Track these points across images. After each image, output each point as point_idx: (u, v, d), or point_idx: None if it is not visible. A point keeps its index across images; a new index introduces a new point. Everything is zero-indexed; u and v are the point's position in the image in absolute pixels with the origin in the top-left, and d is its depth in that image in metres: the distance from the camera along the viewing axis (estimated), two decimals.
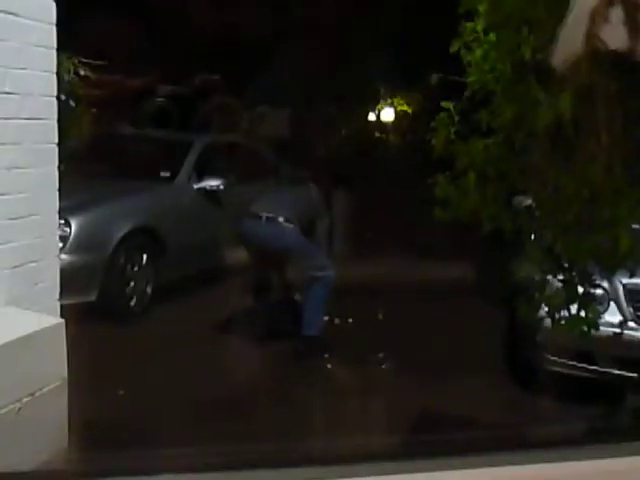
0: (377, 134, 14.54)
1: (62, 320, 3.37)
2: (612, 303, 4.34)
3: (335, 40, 10.01)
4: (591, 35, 2.21)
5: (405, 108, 13.99)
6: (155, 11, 9.03)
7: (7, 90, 3.35)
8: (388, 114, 14.46)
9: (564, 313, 2.57)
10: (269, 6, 9.86)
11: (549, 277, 2.61)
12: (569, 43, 2.25)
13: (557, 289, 2.55)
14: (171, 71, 9.62)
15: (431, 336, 5.39)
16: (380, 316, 5.94)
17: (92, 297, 5.71)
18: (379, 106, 14.54)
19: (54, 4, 3.62)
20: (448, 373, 4.71)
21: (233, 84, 9.63)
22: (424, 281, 6.53)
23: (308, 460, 1.36)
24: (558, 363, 4.42)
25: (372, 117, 14.66)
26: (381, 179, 10.77)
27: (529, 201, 2.84)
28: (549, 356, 4.46)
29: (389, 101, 14.30)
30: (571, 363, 4.39)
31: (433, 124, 2.73)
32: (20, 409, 3.00)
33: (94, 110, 6.13)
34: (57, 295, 3.70)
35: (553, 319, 2.57)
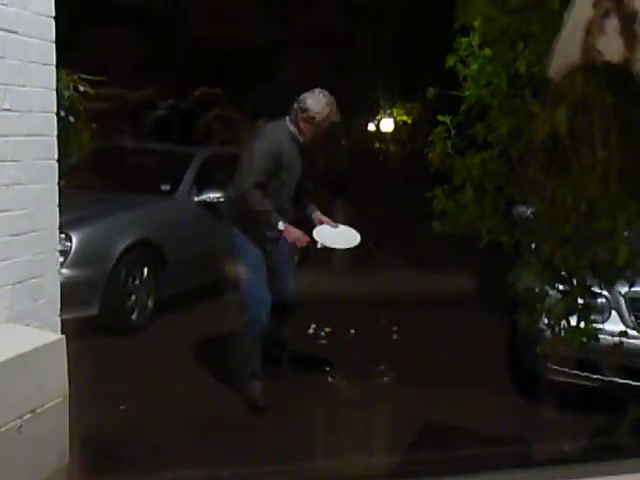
0: (377, 144, 14.60)
1: (63, 336, 3.38)
2: (614, 312, 4.35)
3: (335, 51, 10.07)
4: (587, 46, 2.22)
5: (405, 118, 14.04)
6: (155, 25, 9.08)
7: (7, 107, 3.37)
8: (388, 124, 14.50)
9: (564, 323, 2.57)
10: (269, 19, 9.92)
11: (548, 288, 2.61)
12: (564, 55, 2.26)
13: (556, 300, 2.56)
14: (171, 84, 9.66)
15: (433, 347, 5.39)
16: (380, 328, 5.93)
17: (94, 311, 5.71)
18: (379, 116, 14.59)
19: (53, 21, 3.64)
20: (451, 384, 4.70)
21: (233, 96, 9.67)
22: (425, 292, 6.53)
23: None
24: (561, 372, 4.41)
25: (372, 127, 14.74)
26: (381, 189, 10.79)
27: (530, 211, 2.86)
28: (552, 365, 4.46)
29: (389, 111, 14.35)
30: (574, 372, 4.39)
31: (431, 137, 2.75)
32: (21, 426, 3.00)
33: (94, 125, 6.14)
34: (58, 311, 3.70)
35: (553, 330, 2.58)
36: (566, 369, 4.39)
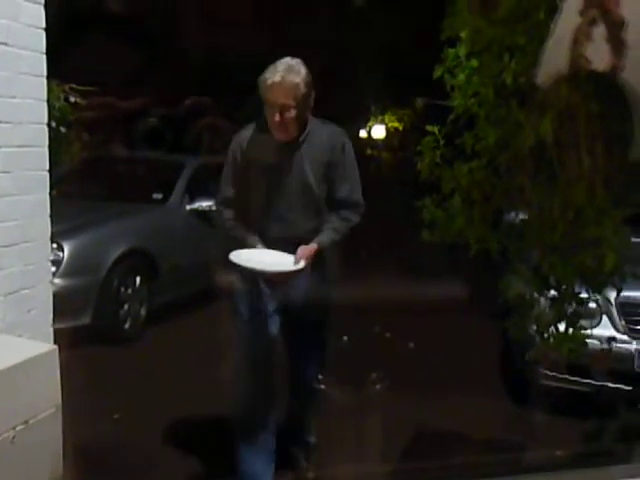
0: (369, 151, 14.65)
1: (55, 346, 3.37)
2: (605, 316, 4.38)
3: (326, 59, 10.11)
4: (575, 54, 2.25)
5: (396, 124, 14.09)
6: (146, 34, 9.11)
7: None
8: (379, 131, 14.55)
9: (553, 330, 2.60)
10: (260, 27, 9.96)
11: (537, 296, 2.64)
12: (552, 63, 2.29)
13: (545, 308, 2.58)
14: (161, 93, 9.69)
15: (425, 354, 5.41)
16: (374, 335, 5.95)
17: (86, 320, 5.72)
18: (370, 123, 14.64)
19: (44, 33, 3.65)
20: (443, 390, 4.72)
21: (223, 105, 9.70)
22: (417, 299, 6.55)
23: None
24: (552, 377, 4.44)
25: (363, 134, 14.79)
26: (374, 196, 10.80)
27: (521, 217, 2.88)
28: (543, 370, 4.48)
29: (380, 118, 14.40)
30: (565, 377, 4.41)
31: (419, 147, 2.77)
32: (14, 437, 3.00)
33: (85, 134, 6.17)
34: (50, 321, 3.70)
35: (542, 337, 2.61)
36: (556, 374, 4.41)
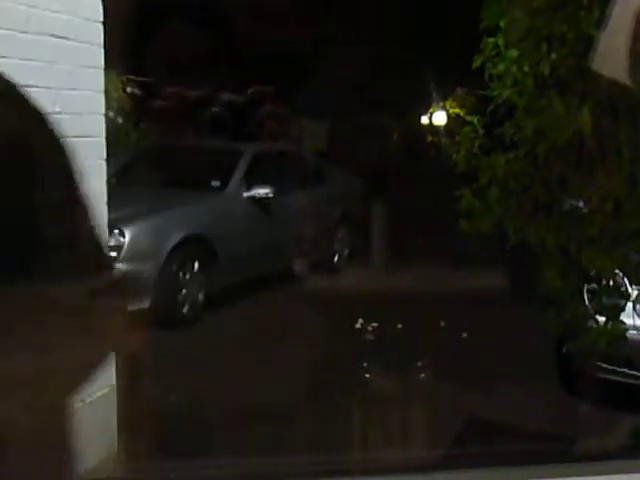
0: (430, 138, 14.50)
1: None
2: None
3: (384, 47, 10.05)
4: (636, 35, 2.19)
5: (457, 110, 13.91)
6: (207, 25, 9.24)
7: (58, 110, 3.51)
8: (440, 118, 14.39)
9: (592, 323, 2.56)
10: (318, 17, 9.98)
11: (576, 288, 2.60)
12: (610, 46, 2.23)
13: (584, 300, 2.54)
14: (224, 83, 9.82)
15: (474, 343, 5.37)
16: (421, 324, 5.94)
17: (145, 304, 5.88)
18: (432, 110, 14.47)
19: (102, 26, 3.77)
20: (493, 381, 4.69)
21: (286, 94, 9.76)
22: (469, 288, 6.50)
23: None
24: (604, 369, 4.34)
25: (425, 121, 14.65)
26: (433, 183, 10.69)
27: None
28: (597, 362, 4.39)
29: (441, 104, 14.23)
30: (616, 369, 4.31)
31: (457, 138, 2.76)
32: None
33: (143, 124, 6.32)
34: None
35: (580, 330, 2.57)
36: (611, 366, 4.32)
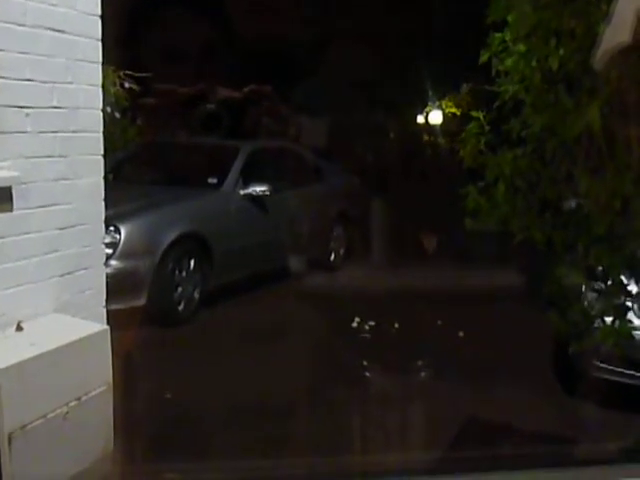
0: (425, 137, 14.52)
1: (107, 327, 3.47)
2: None
3: (381, 46, 10.03)
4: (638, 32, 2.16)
5: (454, 110, 13.91)
6: (205, 22, 9.20)
7: (55, 104, 3.47)
8: (436, 117, 14.40)
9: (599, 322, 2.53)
10: (316, 15, 9.95)
11: (583, 287, 2.58)
12: (612, 43, 2.20)
13: (592, 299, 2.52)
14: (220, 80, 9.78)
15: (475, 342, 5.36)
16: (425, 322, 5.92)
17: (141, 302, 5.84)
18: (427, 109, 14.48)
19: (99, 20, 3.73)
20: (493, 380, 4.67)
21: (283, 92, 9.73)
22: (471, 287, 6.49)
23: None
24: (604, 369, 4.33)
25: (420, 120, 14.66)
26: (431, 182, 10.71)
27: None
28: (597, 362, 4.37)
29: (437, 104, 14.23)
30: (619, 370, 4.30)
31: (463, 135, 2.72)
32: (67, 413, 3.11)
33: (140, 120, 6.27)
34: (103, 302, 3.80)
35: (587, 329, 2.55)
36: (612, 367, 4.30)
